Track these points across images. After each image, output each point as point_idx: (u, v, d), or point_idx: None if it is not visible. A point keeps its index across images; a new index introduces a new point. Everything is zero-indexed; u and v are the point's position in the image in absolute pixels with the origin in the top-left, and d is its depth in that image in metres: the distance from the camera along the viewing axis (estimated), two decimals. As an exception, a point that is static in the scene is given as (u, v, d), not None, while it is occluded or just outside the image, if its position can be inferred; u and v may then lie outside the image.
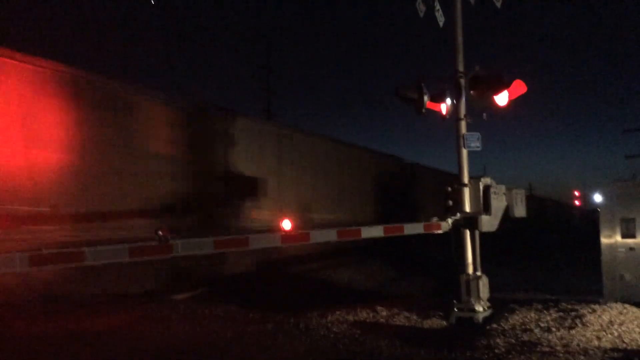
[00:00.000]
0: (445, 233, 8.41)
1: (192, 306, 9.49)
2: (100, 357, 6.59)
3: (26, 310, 8.01)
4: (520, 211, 8.90)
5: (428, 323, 8.19)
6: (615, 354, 6.30)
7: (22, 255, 4.66)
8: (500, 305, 8.68)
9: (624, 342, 6.87)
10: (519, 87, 8.23)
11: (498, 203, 8.50)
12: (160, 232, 5.70)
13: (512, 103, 8.42)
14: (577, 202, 34.42)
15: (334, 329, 7.78)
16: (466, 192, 8.50)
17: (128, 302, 9.44)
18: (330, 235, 7.47)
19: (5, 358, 6.29)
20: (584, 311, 8.07)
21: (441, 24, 8.79)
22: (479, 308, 8.15)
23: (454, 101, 8.55)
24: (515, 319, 8.08)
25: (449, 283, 9.06)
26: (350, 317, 8.49)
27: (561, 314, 8.12)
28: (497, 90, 8.28)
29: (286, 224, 6.66)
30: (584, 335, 7.09)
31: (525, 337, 7.16)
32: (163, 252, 5.72)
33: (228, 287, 11.38)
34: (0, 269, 4.55)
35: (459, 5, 8.60)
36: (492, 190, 8.45)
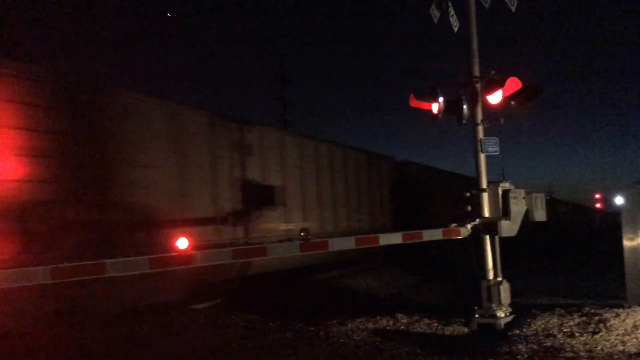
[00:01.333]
0: (464, 238, 8.38)
1: (212, 315, 9.52)
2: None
3: (46, 323, 8.07)
4: (540, 215, 8.83)
5: (449, 330, 8.14)
6: (641, 358, 6.20)
7: (45, 268, 4.75)
8: (522, 310, 8.61)
9: (649, 346, 6.76)
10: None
11: (517, 207, 8.44)
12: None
13: (531, 106, 8.38)
14: (598, 205, 34.02)
15: (354, 337, 7.77)
16: (485, 197, 8.45)
17: (149, 312, 9.50)
18: (348, 243, 7.48)
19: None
20: (607, 315, 7.96)
21: (456, 29, 8.79)
22: (500, 314, 8.09)
23: (471, 106, 8.51)
24: (538, 324, 7.99)
25: (469, 289, 9.00)
26: (371, 325, 8.47)
27: (584, 318, 8.02)
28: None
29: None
30: (608, 340, 6.99)
31: (548, 343, 7.08)
32: (184, 263, 5.77)
33: (248, 295, 11.40)
34: (23, 282, 4.64)
35: (473, 9, 8.58)
36: (511, 194, 8.40)
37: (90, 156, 8.79)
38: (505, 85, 8.20)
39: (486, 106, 8.52)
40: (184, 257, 5.80)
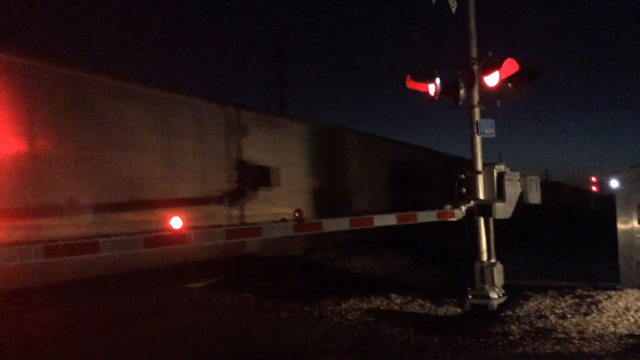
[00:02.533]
0: (458, 221, 8.40)
1: (207, 295, 9.58)
2: (116, 347, 6.68)
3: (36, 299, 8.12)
4: (535, 198, 8.84)
5: (442, 310, 8.21)
6: (632, 340, 6.26)
7: (38, 246, 4.75)
8: (515, 292, 8.66)
9: (640, 328, 6.83)
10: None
11: (512, 190, 8.45)
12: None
13: (528, 88, 8.35)
14: (594, 188, 34.12)
15: (348, 317, 7.83)
16: (480, 179, 8.47)
17: (144, 290, 9.55)
18: (343, 224, 7.48)
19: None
20: (599, 297, 8.02)
21: (454, 9, 8.70)
22: (493, 295, 8.14)
23: (467, 88, 8.48)
24: (530, 305, 8.05)
25: (463, 271, 9.05)
26: (365, 305, 8.52)
27: (577, 300, 8.08)
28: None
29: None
30: (599, 322, 7.05)
31: (540, 324, 7.15)
32: (177, 242, 5.78)
33: (243, 276, 11.45)
34: (16, 260, 4.64)
35: (471, -10, 8.50)
36: (506, 177, 8.41)
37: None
38: (503, 67, 8.15)
39: (483, 88, 8.49)
40: (177, 237, 5.80)
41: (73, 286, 8.78)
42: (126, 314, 8.24)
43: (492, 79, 8.28)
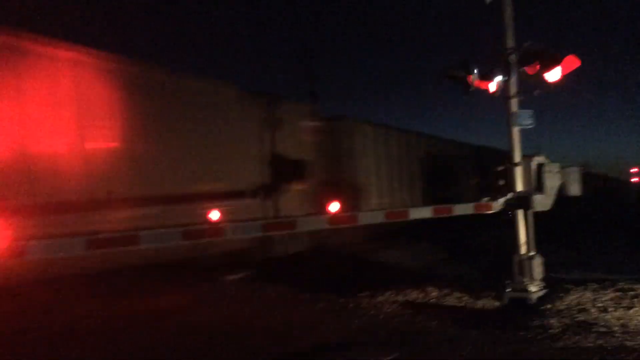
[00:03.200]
0: (496, 213, 8.28)
1: (243, 287, 9.67)
2: (153, 338, 6.80)
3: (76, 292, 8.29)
4: (575, 189, 8.67)
5: (480, 304, 8.11)
6: (677, 334, 6.09)
7: (80, 239, 4.85)
8: (555, 285, 8.51)
9: (685, 322, 6.63)
10: (572, 62, 7.95)
11: (552, 182, 8.30)
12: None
13: (566, 78, 8.15)
14: (635, 179, 33.21)
15: (385, 309, 7.81)
16: (518, 171, 8.32)
17: (180, 283, 9.68)
18: (378, 217, 7.44)
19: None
20: (642, 291, 7.83)
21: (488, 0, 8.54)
22: (532, 288, 8.00)
23: (504, 79, 8.33)
24: (571, 299, 7.91)
25: (501, 264, 8.93)
26: (400, 298, 8.49)
27: (619, 293, 7.91)
28: (549, 67, 8.02)
29: (333, 207, 6.60)
30: (642, 316, 6.88)
31: (581, 317, 7.00)
32: (215, 235, 5.84)
33: (278, 268, 11.52)
34: (61, 253, 4.75)
35: (507, -22, 8.33)
36: (545, 168, 8.25)
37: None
38: (541, 57, 7.99)
39: (520, 78, 8.33)
40: (215, 229, 5.87)
41: (111, 276, 8.93)
42: (162, 306, 8.36)
43: (530, 69, 8.10)
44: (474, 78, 8.34)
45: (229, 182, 10.96)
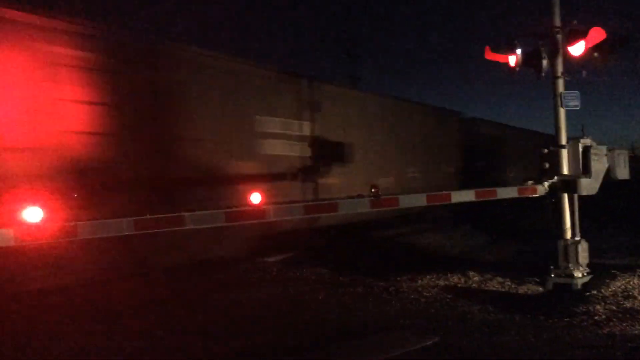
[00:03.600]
0: (539, 197, 8.13)
1: (283, 269, 9.77)
2: (199, 318, 6.95)
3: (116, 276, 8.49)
4: (622, 173, 8.44)
5: (523, 289, 8.00)
6: None
7: (129, 220, 4.98)
8: (600, 271, 8.33)
9: None
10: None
11: (598, 165, 8.08)
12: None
13: (615, 57, 7.92)
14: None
15: (425, 293, 7.78)
16: (564, 153, 8.13)
17: (221, 265, 9.82)
18: (419, 200, 7.39)
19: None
20: (693, 278, 7.60)
21: (536, -24, 8.32)
22: (577, 274, 7.85)
23: (550, 58, 8.11)
24: (617, 285, 7.74)
25: (544, 249, 8.77)
26: (441, 282, 8.44)
27: (667, 280, 7.69)
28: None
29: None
30: (693, 303, 6.69)
31: (628, 304, 6.85)
32: (257, 217, 5.90)
33: (317, 250, 11.58)
34: (111, 233, 4.89)
35: (554, -47, 8.07)
36: (592, 151, 8.04)
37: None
38: (588, 36, 7.75)
39: (567, 58, 8.10)
40: (257, 212, 5.93)
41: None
42: (205, 286, 8.51)
43: (577, 48, 7.89)
44: (518, 58, 8.16)
45: (269, 164, 11.02)
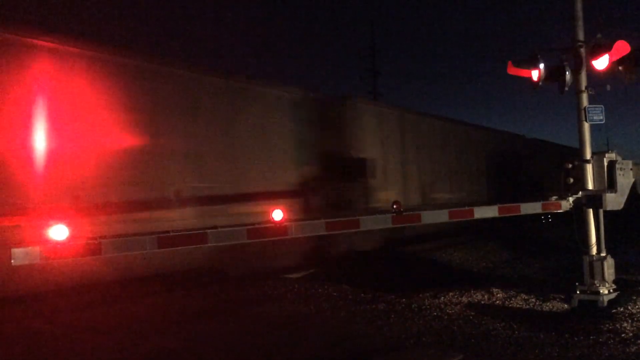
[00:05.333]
0: (563, 212, 8.02)
1: (305, 285, 9.75)
2: (222, 331, 6.97)
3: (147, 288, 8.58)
4: (650, 188, 8.30)
5: (547, 306, 7.88)
6: None
7: (152, 237, 5.03)
8: (627, 287, 8.19)
9: None
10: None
11: (624, 179, 7.96)
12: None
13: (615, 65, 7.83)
14: None
15: (448, 310, 7.70)
16: (588, 168, 8.03)
17: (244, 281, 9.86)
18: (441, 216, 7.35)
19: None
20: None
21: (558, -9, 8.29)
22: (603, 290, 7.71)
23: (574, 73, 8.05)
24: (645, 302, 7.58)
25: (569, 265, 8.66)
26: (464, 299, 8.35)
27: (698, 298, 7.51)
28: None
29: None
30: None
31: (656, 322, 6.70)
32: (279, 234, 5.92)
33: (340, 267, 11.55)
34: (134, 250, 4.95)
35: (577, -32, 8.05)
36: (617, 165, 7.93)
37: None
38: (613, 50, 7.68)
39: (591, 72, 8.04)
40: (279, 228, 5.94)
41: (177, 275, 9.22)
42: (228, 302, 8.55)
43: (601, 62, 7.82)
44: (541, 72, 8.11)
45: (291, 181, 11.08)
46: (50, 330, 6.81)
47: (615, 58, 7.72)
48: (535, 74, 8.19)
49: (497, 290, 8.69)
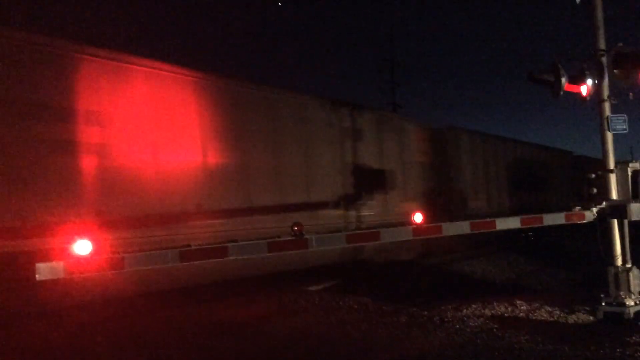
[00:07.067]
0: (588, 223, 7.91)
1: (325, 297, 9.72)
2: (241, 347, 6.96)
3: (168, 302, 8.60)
4: (675, 197, 8.15)
5: (572, 318, 7.75)
6: None
7: (174, 251, 5.07)
8: (654, 299, 8.00)
9: None
10: None
11: (649, 189, 7.84)
12: (295, 228, 5.97)
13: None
14: None
15: (470, 323, 7.61)
16: (612, 178, 7.92)
17: (265, 292, 9.85)
18: (463, 228, 7.29)
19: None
20: None
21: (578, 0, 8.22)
22: (629, 302, 7.57)
23: (596, 82, 7.97)
24: (671, 314, 7.42)
25: (594, 276, 8.52)
26: (487, 311, 8.25)
27: None
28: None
29: (417, 217, 6.56)
30: None
31: (683, 334, 6.56)
32: (299, 247, 5.91)
33: (361, 279, 11.50)
34: (156, 264, 4.99)
35: (597, -24, 7.99)
36: (642, 175, 7.81)
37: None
38: (636, 58, 7.60)
39: (613, 81, 7.95)
40: (299, 241, 5.94)
41: (200, 288, 9.24)
42: (248, 315, 8.54)
43: (623, 71, 7.71)
44: (563, 81, 8.04)
45: (313, 192, 11.08)
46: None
47: (637, 67, 7.63)
48: (556, 83, 8.11)
49: (520, 302, 8.57)
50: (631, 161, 8.00)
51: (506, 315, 8.09)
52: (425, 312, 8.29)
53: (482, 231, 7.35)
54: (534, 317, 7.93)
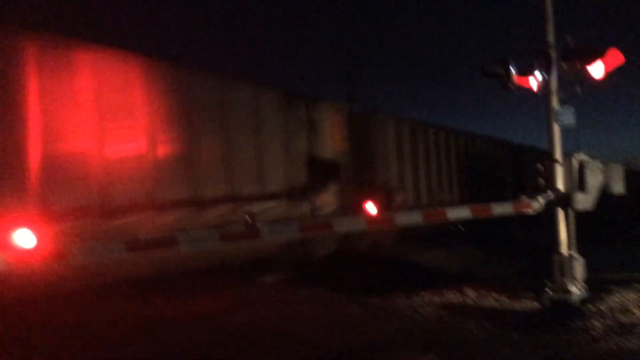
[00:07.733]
0: (536, 213, 8.11)
1: (279, 289, 9.70)
2: (195, 341, 6.86)
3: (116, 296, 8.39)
4: (618, 187, 8.46)
5: (519, 305, 7.97)
6: None
7: (120, 241, 4.93)
8: (597, 286, 8.31)
9: None
10: (615, 57, 7.73)
11: (594, 180, 8.10)
12: (247, 217, 5.85)
13: (608, 74, 7.94)
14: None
15: (421, 311, 7.74)
16: (559, 169, 8.13)
17: (219, 283, 9.74)
18: (415, 218, 7.38)
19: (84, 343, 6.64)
20: (689, 292, 7.58)
21: (528, -7, 8.39)
22: (573, 289, 7.82)
23: (544, 75, 8.16)
24: (613, 300, 7.73)
25: (541, 265, 8.75)
26: (437, 299, 8.40)
27: (664, 294, 7.67)
28: (591, 60, 7.82)
29: (370, 208, 6.57)
30: (689, 317, 6.66)
31: (624, 319, 6.85)
32: (251, 237, 5.84)
33: (313, 269, 11.50)
34: (102, 255, 4.84)
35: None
36: (587, 166, 8.05)
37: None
38: (583, 52, 7.81)
39: (561, 74, 8.15)
40: (252, 232, 5.86)
41: (150, 282, 9.02)
42: (202, 308, 8.43)
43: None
44: (513, 74, 8.19)
45: (266, 184, 10.99)
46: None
47: (585, 61, 7.83)
48: (506, 76, 8.24)
49: (469, 290, 8.76)
50: (577, 152, 8.23)
51: (455, 302, 8.26)
52: (378, 301, 8.38)
53: (433, 221, 7.46)
54: (482, 305, 8.11)
